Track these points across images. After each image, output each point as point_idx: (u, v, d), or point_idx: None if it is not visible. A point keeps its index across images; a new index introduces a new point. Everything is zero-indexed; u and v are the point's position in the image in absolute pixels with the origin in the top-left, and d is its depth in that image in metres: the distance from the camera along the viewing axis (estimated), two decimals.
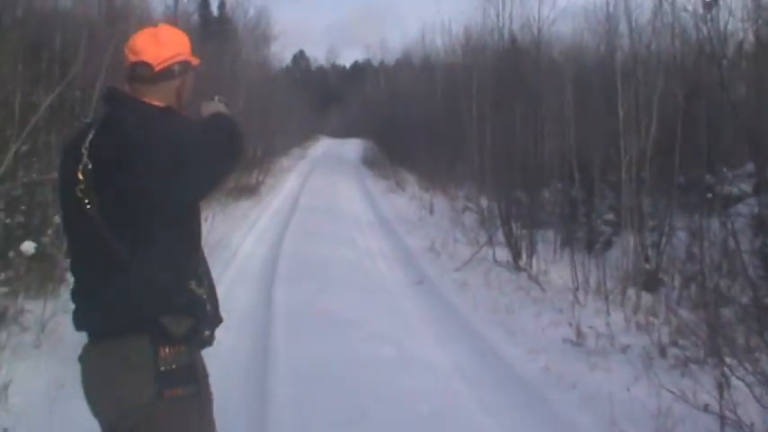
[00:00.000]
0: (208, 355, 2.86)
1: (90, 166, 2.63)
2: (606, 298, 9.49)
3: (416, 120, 30.54)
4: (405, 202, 21.84)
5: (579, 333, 7.67)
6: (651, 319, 8.73)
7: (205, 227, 12.80)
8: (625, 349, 7.31)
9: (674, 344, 7.44)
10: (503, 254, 12.59)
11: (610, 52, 15.38)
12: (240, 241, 13.75)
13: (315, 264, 12.15)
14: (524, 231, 12.81)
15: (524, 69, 19.97)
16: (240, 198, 19.80)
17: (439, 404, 6.00)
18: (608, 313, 8.86)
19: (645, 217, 13.15)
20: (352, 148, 46.22)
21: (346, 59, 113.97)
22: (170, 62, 2.81)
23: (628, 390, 5.92)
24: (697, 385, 5.74)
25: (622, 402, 5.74)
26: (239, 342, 7.44)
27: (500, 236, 13.05)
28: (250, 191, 22.11)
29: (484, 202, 16.76)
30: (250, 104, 27.87)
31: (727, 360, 5.67)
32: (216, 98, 3.04)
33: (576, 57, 18.95)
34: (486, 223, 13.96)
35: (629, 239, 12.68)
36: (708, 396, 5.43)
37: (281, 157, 35.51)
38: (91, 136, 2.69)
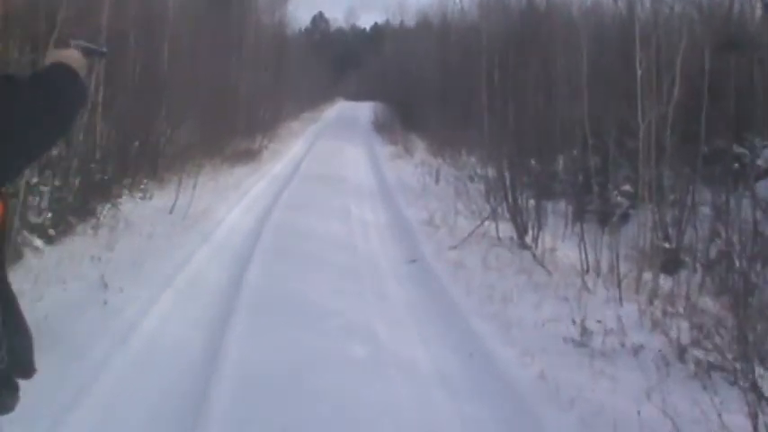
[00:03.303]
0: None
1: None
2: (619, 285, 8.36)
3: (430, 83, 29.55)
4: (411, 169, 20.99)
5: (584, 330, 6.59)
6: (669, 309, 7.61)
7: (188, 196, 11.51)
8: (637, 351, 6.26)
9: (696, 343, 6.33)
10: (507, 229, 11.48)
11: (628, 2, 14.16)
12: (225, 213, 12.63)
13: (301, 240, 11.19)
14: (532, 202, 11.62)
15: (541, 29, 18.91)
16: (236, 164, 18.78)
17: (409, 419, 5.12)
18: (620, 303, 7.80)
19: (665, 190, 11.91)
20: (367, 111, 45.25)
21: (366, 21, 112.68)
22: None
23: (638, 413, 4.81)
24: (723, 404, 4.66)
25: (629, 427, 4.68)
26: (190, 335, 6.62)
27: (506, 209, 11.92)
28: (250, 156, 21.12)
29: (492, 171, 15.62)
30: (258, 66, 26.95)
31: (758, 371, 4.61)
32: (72, 44, 2.27)
33: (594, 13, 17.83)
34: (492, 194, 12.77)
35: (647, 215, 11.44)
36: (736, 418, 4.39)
37: (292, 121, 34.68)
38: None
